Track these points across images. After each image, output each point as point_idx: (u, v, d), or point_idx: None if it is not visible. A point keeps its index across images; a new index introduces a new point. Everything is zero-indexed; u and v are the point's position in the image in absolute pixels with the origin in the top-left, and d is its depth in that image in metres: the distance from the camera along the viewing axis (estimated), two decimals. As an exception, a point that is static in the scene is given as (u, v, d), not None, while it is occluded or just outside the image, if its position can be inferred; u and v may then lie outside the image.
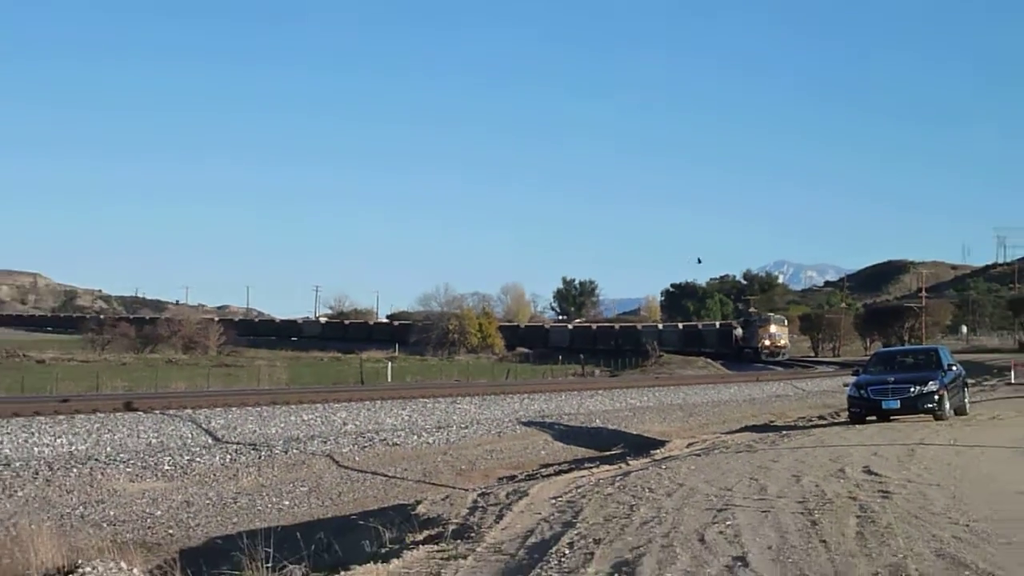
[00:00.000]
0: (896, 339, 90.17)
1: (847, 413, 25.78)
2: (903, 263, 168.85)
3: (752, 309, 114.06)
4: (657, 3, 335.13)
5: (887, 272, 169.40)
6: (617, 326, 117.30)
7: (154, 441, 23.71)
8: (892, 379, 24.90)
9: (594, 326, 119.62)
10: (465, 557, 9.55)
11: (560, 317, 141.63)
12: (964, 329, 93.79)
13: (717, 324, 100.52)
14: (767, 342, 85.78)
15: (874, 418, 24.47)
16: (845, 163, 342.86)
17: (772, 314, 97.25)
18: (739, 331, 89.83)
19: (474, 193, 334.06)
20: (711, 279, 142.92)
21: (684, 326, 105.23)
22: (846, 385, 27.55)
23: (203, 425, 25.66)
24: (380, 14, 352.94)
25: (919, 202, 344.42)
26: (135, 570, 9.44)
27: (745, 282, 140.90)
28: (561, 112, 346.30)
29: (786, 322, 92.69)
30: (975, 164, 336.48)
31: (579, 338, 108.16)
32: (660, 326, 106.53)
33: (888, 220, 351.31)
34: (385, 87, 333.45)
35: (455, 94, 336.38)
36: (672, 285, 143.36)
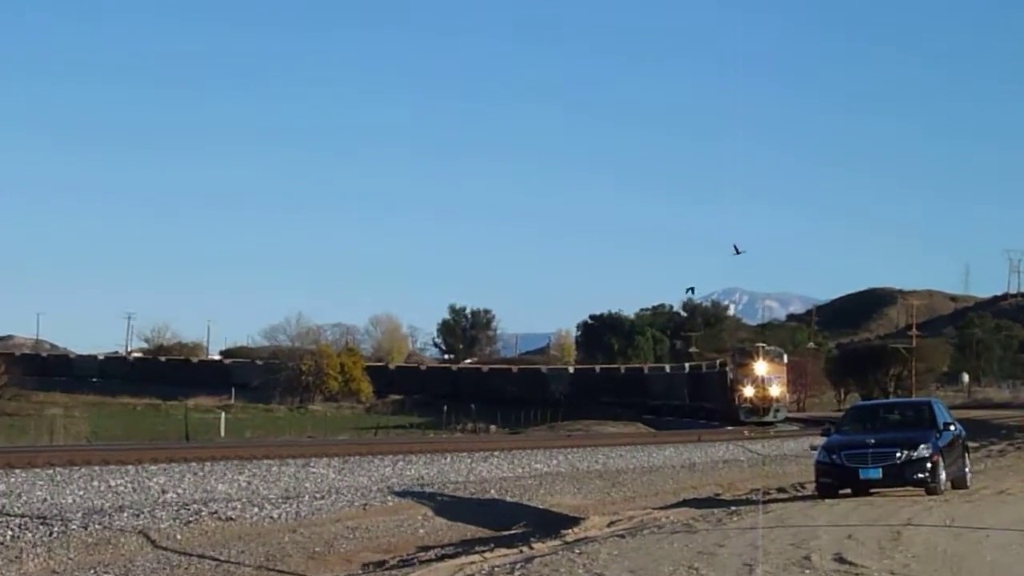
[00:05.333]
0: (878, 389, 78.99)
1: (815, 484, 25.03)
2: (888, 292, 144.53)
3: (693, 349, 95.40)
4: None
5: (868, 304, 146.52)
6: (535, 367, 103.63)
7: None
8: (872, 441, 24.15)
9: (516, 368, 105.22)
10: None
11: (446, 356, 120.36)
12: (965, 378, 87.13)
13: (716, 367, 78.62)
14: (749, 390, 63.22)
15: (849, 491, 23.52)
16: (816, 176, 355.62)
17: (763, 345, 71.58)
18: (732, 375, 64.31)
19: (337, 196, 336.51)
20: (642, 310, 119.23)
21: (690, 367, 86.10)
22: (813, 448, 26.94)
23: (-27, 492, 22.74)
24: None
25: (908, 219, 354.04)
26: None
27: (685, 314, 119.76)
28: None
29: (785, 358, 68.49)
30: (977, 176, 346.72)
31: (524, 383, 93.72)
32: (667, 368, 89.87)
33: (869, 241, 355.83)
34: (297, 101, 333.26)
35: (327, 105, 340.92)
36: (591, 317, 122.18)
